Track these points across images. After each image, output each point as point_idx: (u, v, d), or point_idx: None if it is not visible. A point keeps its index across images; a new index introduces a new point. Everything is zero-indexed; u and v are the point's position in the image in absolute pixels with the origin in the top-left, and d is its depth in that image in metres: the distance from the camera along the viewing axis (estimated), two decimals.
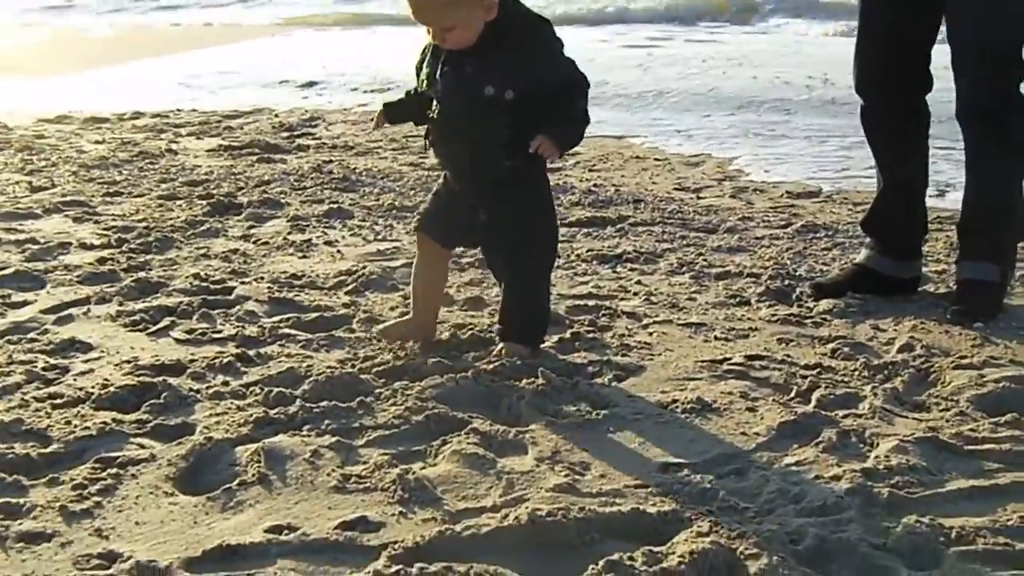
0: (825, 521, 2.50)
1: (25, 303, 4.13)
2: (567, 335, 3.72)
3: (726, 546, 2.38)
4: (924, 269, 4.37)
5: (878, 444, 2.92)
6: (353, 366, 3.46)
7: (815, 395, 3.25)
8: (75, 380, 3.38)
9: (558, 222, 3.67)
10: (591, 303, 4.07)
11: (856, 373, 3.43)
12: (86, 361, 3.55)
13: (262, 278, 4.41)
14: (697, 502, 2.62)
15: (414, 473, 2.74)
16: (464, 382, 3.29)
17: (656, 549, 2.38)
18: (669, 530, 2.50)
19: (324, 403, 3.16)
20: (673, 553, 2.36)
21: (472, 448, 2.89)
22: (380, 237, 5.11)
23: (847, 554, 2.39)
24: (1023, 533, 2.46)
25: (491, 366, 3.42)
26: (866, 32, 4.20)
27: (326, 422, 3.06)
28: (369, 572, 2.31)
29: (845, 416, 3.11)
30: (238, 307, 4.05)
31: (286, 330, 3.81)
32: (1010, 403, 3.17)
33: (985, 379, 3.32)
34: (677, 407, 3.18)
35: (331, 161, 6.90)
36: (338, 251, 4.83)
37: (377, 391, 3.25)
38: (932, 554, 2.40)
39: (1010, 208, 4.03)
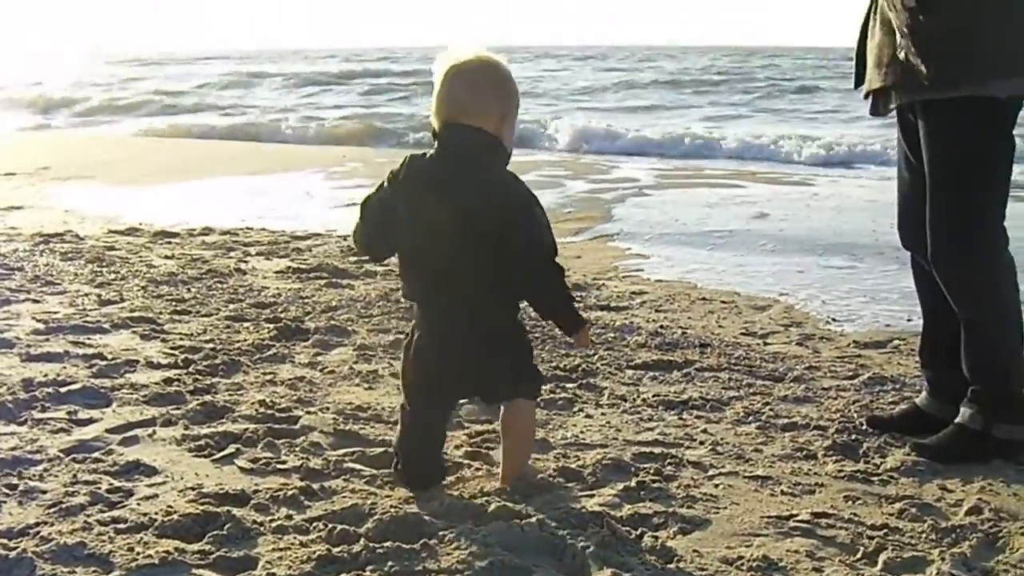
0: None
1: (91, 420, 4.16)
2: (632, 483, 3.69)
3: None
4: None
5: None
6: (419, 506, 3.43)
7: (881, 557, 3.19)
8: (139, 505, 3.38)
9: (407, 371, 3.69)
10: (657, 451, 4.03)
11: (923, 536, 3.36)
12: (150, 485, 3.55)
13: (327, 408, 4.42)
14: None
15: None
16: (529, 529, 3.25)
17: None
18: None
19: (388, 543, 3.12)
20: None
21: None
22: None
23: None
24: None
25: (556, 512, 3.38)
26: (899, 190, 4.33)
27: (389, 563, 3.03)
28: None
29: None
30: (303, 437, 4.05)
31: (351, 464, 3.80)
32: None
33: None
34: (743, 564, 3.12)
35: (398, 289, 6.91)
36: None
37: (441, 533, 3.21)
38: None
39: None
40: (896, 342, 5.86)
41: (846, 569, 3.11)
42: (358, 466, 3.80)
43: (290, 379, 4.83)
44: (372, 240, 3.58)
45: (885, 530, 3.38)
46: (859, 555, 3.22)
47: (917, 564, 3.17)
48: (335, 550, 3.09)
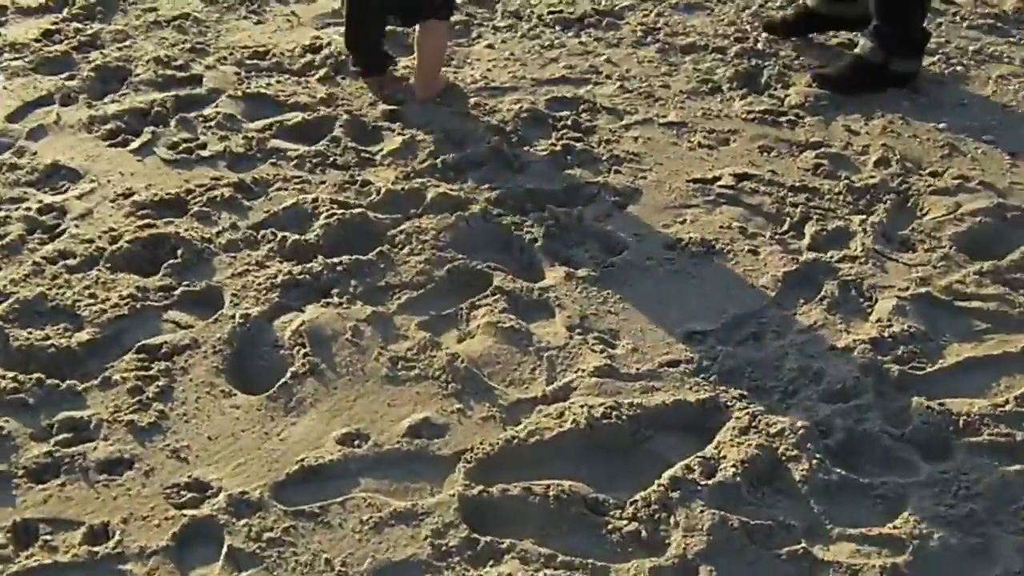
0: (847, 408, 2.75)
1: None
2: (557, 146, 3.76)
3: (768, 447, 2.60)
4: None
5: (877, 300, 3.13)
6: (356, 195, 3.48)
7: (808, 230, 3.42)
8: (77, 228, 3.32)
9: None
10: (568, 94, 4.09)
11: (841, 198, 3.57)
12: (80, 196, 3.48)
13: (225, 59, 4.28)
14: (728, 382, 2.84)
15: (460, 359, 2.84)
16: (474, 221, 3.36)
17: (708, 456, 2.60)
18: (711, 421, 2.73)
19: (345, 258, 3.19)
20: (724, 459, 2.58)
21: (503, 318, 3.01)
22: None
23: (871, 446, 2.68)
24: (1020, 420, 2.72)
25: (494, 194, 3.47)
26: None
27: (352, 282, 3.12)
28: (453, 495, 2.47)
29: (840, 260, 3.28)
30: (214, 107, 3.96)
31: (274, 143, 3.77)
32: (987, 243, 3.41)
33: (962, 212, 3.51)
34: (684, 249, 3.30)
35: None
36: (293, 14, 4.66)
37: (391, 234, 3.30)
38: (944, 446, 2.67)
39: None
40: None
41: (779, 249, 3.32)
42: (282, 144, 3.76)
43: (175, 17, 4.60)
44: None
45: (806, 193, 3.58)
46: (786, 227, 3.43)
47: (841, 237, 3.40)
48: (295, 272, 3.14)
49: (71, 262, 3.18)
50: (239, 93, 4.05)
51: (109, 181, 3.56)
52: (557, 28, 4.59)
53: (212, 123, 3.86)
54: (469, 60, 4.31)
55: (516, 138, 3.80)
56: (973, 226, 3.45)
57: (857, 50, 4.21)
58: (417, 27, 3.97)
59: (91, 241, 3.26)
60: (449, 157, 3.67)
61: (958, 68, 4.40)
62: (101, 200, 3.46)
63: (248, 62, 4.25)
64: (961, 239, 3.40)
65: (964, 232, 3.42)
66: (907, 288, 3.17)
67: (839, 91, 4.13)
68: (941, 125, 3.97)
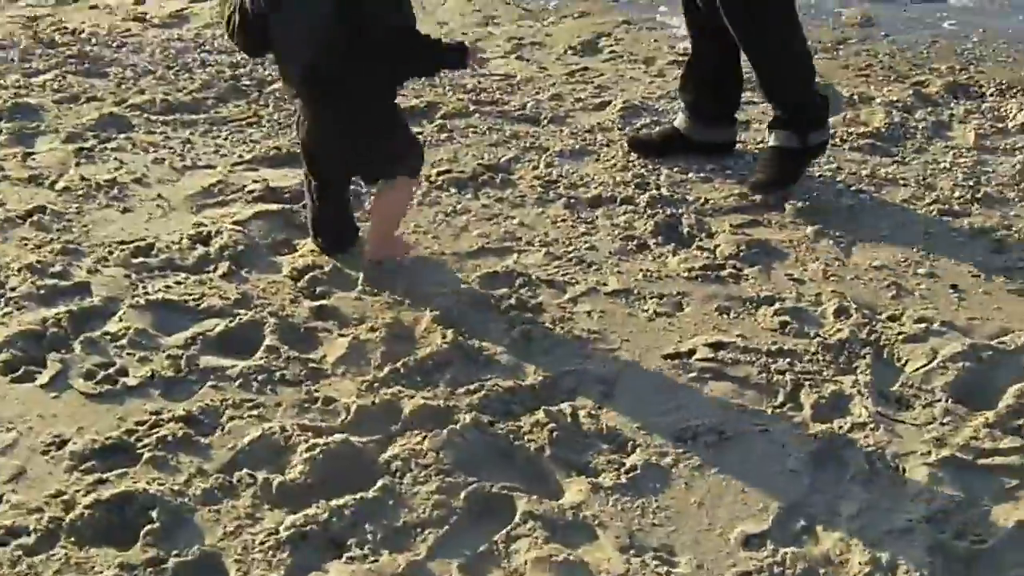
0: None
1: None
2: (514, 332, 3.50)
3: None
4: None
5: (905, 470, 3.02)
6: (323, 416, 3.13)
7: (805, 400, 3.27)
8: (16, 494, 2.79)
9: None
10: (497, 268, 3.83)
11: (821, 358, 3.45)
12: (3, 452, 2.94)
13: (105, 259, 3.78)
14: None
15: None
16: (469, 435, 3.04)
17: None
18: None
19: (348, 498, 2.80)
20: None
21: (551, 550, 2.71)
22: (187, 163, 4.52)
23: None
24: None
25: (475, 398, 3.18)
26: None
27: (367, 528, 2.74)
28: None
29: (851, 430, 3.15)
30: (118, 320, 3.46)
31: (203, 359, 3.32)
32: (976, 388, 3.37)
33: (941, 359, 3.45)
34: (695, 439, 3.10)
35: (38, 19, 5.89)
36: (160, 196, 4.21)
37: (384, 460, 2.95)
38: None
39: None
40: (603, 42, 5.76)
41: (788, 427, 3.16)
42: (212, 360, 3.32)
43: (29, 211, 4.05)
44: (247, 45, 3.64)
45: (786, 358, 3.44)
46: (781, 399, 3.28)
47: (840, 402, 3.26)
48: (297, 521, 2.73)
49: (26, 541, 2.65)
50: (141, 301, 3.56)
51: (31, 428, 3.03)
52: (452, 190, 4.32)
53: (124, 341, 3.37)
54: None
55: (465, 327, 3.50)
56: (959, 374, 3.39)
57: (772, 143, 4.23)
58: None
59: (40, 510, 2.73)
60: (409, 360, 3.33)
61: (861, 196, 4.42)
62: (30, 454, 2.94)
63: (134, 261, 3.77)
64: (951, 389, 3.33)
65: (952, 382, 3.36)
66: (929, 453, 3.07)
67: (782, 187, 4.20)
68: (876, 263, 3.94)
